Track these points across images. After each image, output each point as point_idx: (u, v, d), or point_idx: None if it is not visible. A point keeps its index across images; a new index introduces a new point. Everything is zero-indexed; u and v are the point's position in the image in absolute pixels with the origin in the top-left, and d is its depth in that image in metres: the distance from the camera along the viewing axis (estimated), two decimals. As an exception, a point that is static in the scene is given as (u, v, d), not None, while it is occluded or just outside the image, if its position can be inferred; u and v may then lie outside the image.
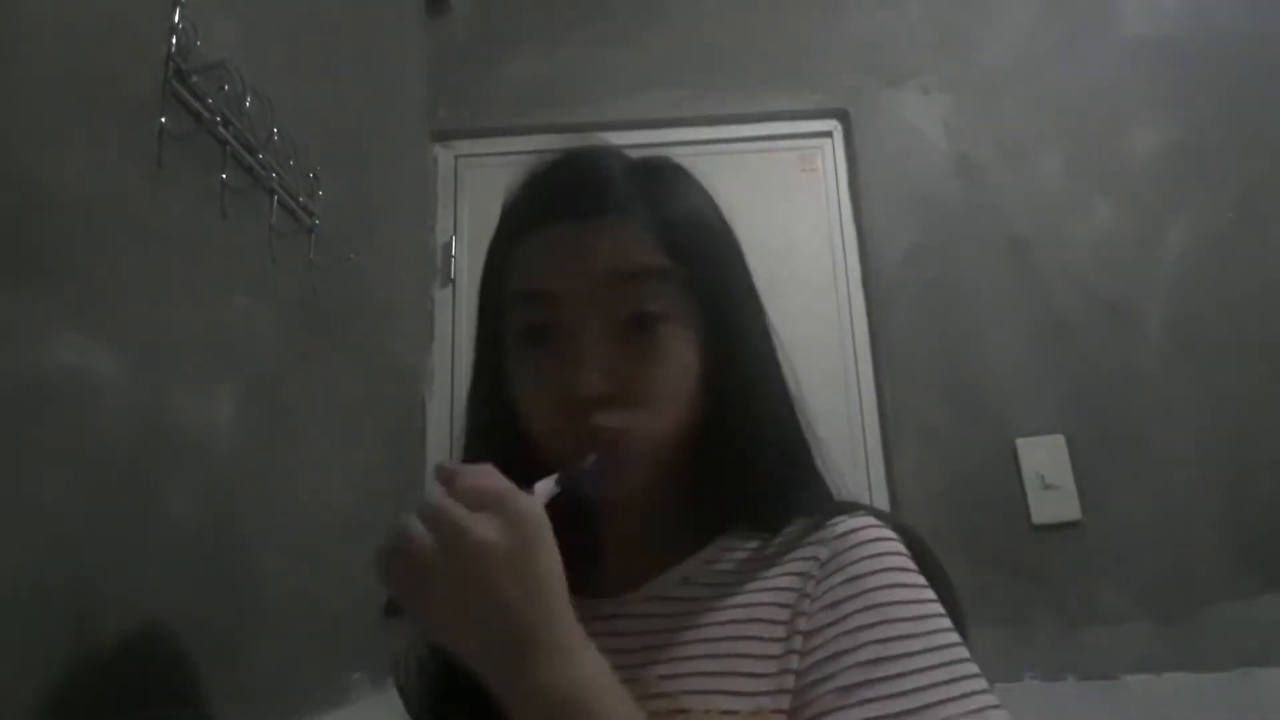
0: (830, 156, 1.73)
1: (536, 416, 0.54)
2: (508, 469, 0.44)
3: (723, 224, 0.63)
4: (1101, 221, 1.63)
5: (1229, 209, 1.61)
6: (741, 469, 0.56)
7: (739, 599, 0.53)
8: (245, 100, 0.88)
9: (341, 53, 1.25)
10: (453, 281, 1.67)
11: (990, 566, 1.45)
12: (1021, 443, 1.51)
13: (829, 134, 1.74)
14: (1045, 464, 1.49)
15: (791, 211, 1.69)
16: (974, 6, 1.77)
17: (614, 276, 0.53)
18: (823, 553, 0.52)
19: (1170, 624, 1.41)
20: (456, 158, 1.75)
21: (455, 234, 1.70)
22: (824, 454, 0.61)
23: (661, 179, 0.59)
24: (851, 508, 0.55)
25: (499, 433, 0.57)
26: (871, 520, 0.53)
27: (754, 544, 0.56)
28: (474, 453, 0.60)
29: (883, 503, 1.53)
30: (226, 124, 0.84)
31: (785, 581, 0.52)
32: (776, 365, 0.62)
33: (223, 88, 0.83)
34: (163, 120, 0.74)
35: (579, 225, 0.54)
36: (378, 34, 1.45)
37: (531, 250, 0.56)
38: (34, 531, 0.56)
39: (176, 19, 0.76)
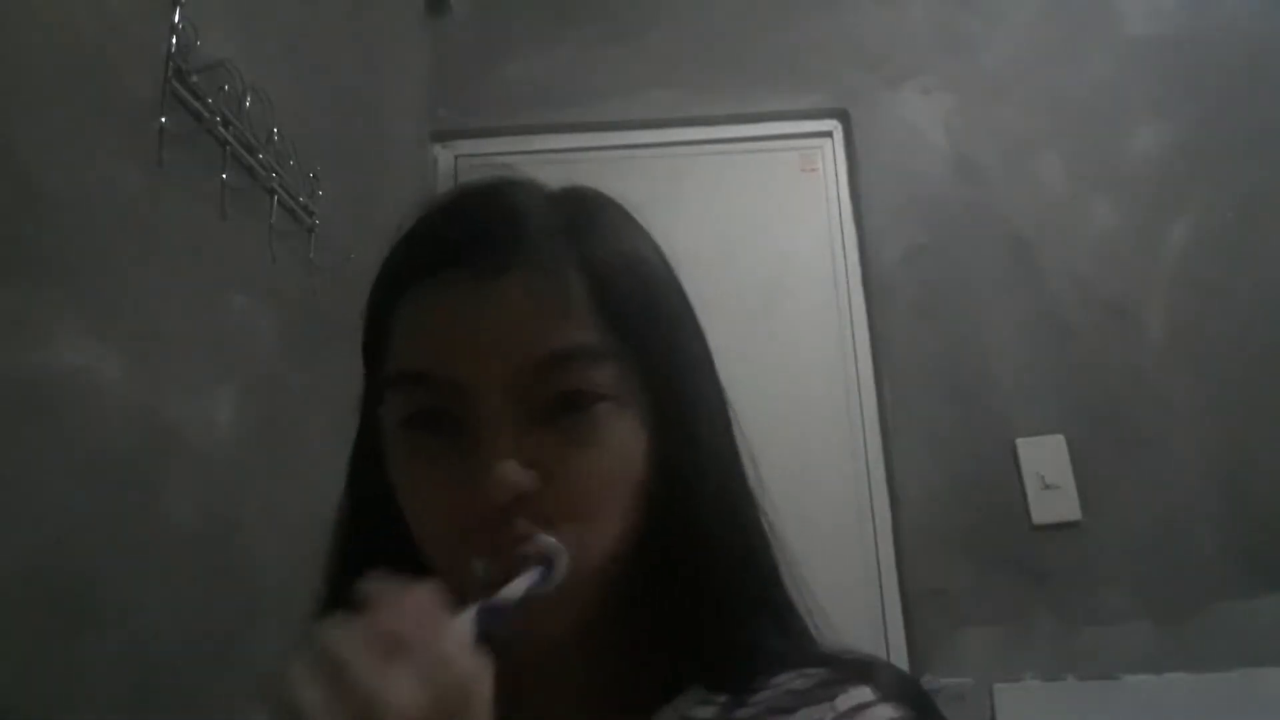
0: (830, 156, 1.73)
1: (430, 531, 0.41)
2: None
3: (669, 274, 0.48)
4: (1101, 221, 1.62)
5: (1229, 209, 1.61)
6: (705, 610, 0.43)
7: None
8: (245, 100, 0.88)
9: (341, 52, 1.25)
10: (453, 281, 1.67)
11: (990, 566, 1.45)
12: (1021, 443, 1.51)
13: (829, 134, 1.74)
14: (1045, 464, 1.49)
15: (791, 211, 1.69)
16: (974, 6, 1.77)
17: (536, 359, 0.39)
18: None
19: (1170, 624, 1.41)
20: (456, 158, 1.75)
21: (455, 234, 1.70)
22: (795, 573, 0.48)
23: (592, 217, 0.45)
24: (852, 670, 0.42)
25: (380, 547, 0.43)
26: (873, 696, 0.40)
27: (721, 701, 0.42)
28: (345, 571, 0.45)
29: (883, 502, 1.52)
30: (226, 124, 0.84)
31: None
32: (739, 461, 0.48)
33: (223, 88, 0.83)
34: (163, 120, 0.74)
35: (484, 282, 0.40)
36: (377, 34, 1.45)
37: (419, 314, 0.42)
38: (34, 531, 0.56)
39: (176, 19, 0.76)
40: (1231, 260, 1.58)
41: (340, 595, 0.43)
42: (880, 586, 1.48)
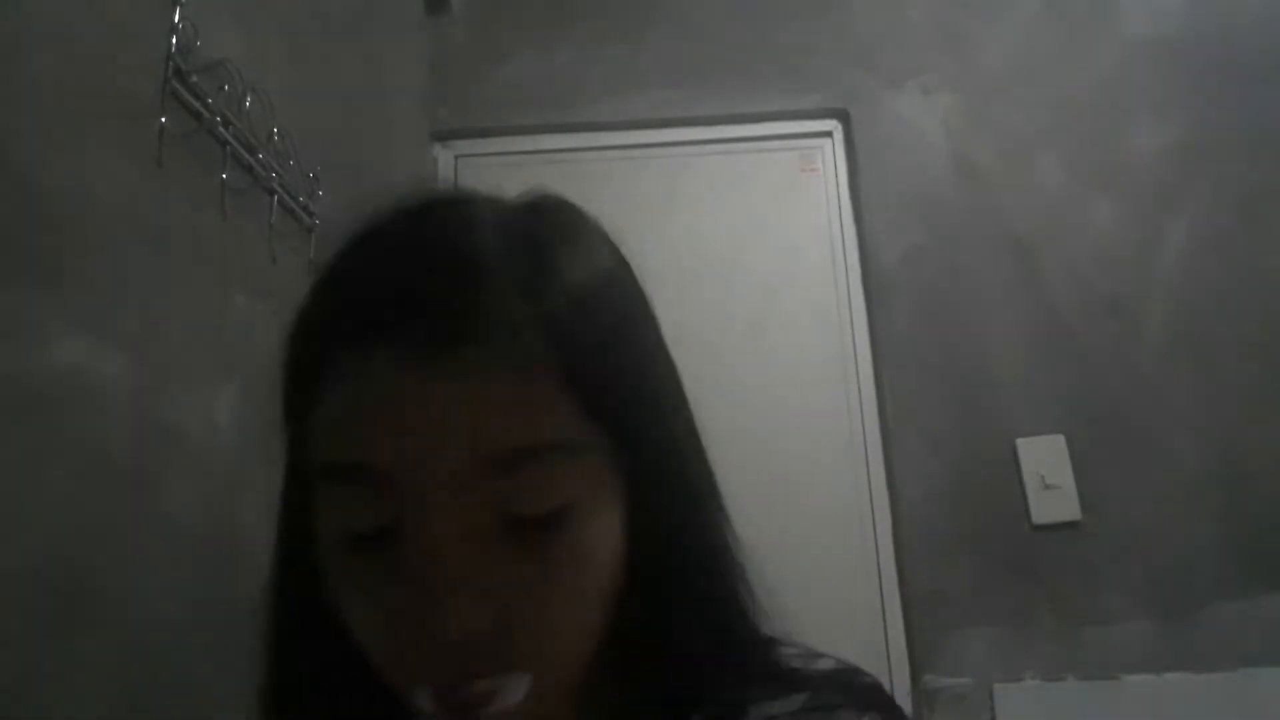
0: (830, 156, 1.73)
1: (376, 659, 0.35)
2: None
3: (644, 310, 0.41)
4: (1101, 221, 1.62)
5: (1229, 209, 1.61)
6: (683, 684, 0.38)
7: None
8: (245, 100, 0.88)
9: (341, 53, 1.25)
10: (453, 281, 1.67)
11: (990, 566, 1.45)
12: (1021, 443, 1.51)
13: (829, 134, 1.74)
14: (1045, 464, 1.49)
15: (791, 211, 1.69)
16: (974, 6, 1.76)
17: (495, 456, 0.32)
18: None
19: (1170, 624, 1.41)
20: (456, 158, 1.75)
21: (455, 234, 1.70)
22: (774, 624, 0.42)
23: (559, 257, 0.36)
24: (829, 692, 0.39)
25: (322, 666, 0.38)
26: None
27: None
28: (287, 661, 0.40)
29: (883, 503, 1.52)
30: (226, 124, 0.84)
31: None
32: (721, 524, 0.42)
33: (223, 88, 0.83)
34: (163, 120, 0.74)
35: (430, 360, 0.32)
36: (378, 34, 1.45)
37: (351, 393, 0.34)
38: (34, 531, 0.56)
39: (176, 19, 0.75)
40: (1231, 260, 1.58)
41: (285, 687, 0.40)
42: (880, 586, 1.48)
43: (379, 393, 0.33)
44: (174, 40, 0.75)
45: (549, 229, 0.38)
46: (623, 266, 0.41)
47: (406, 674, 0.33)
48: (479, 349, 0.32)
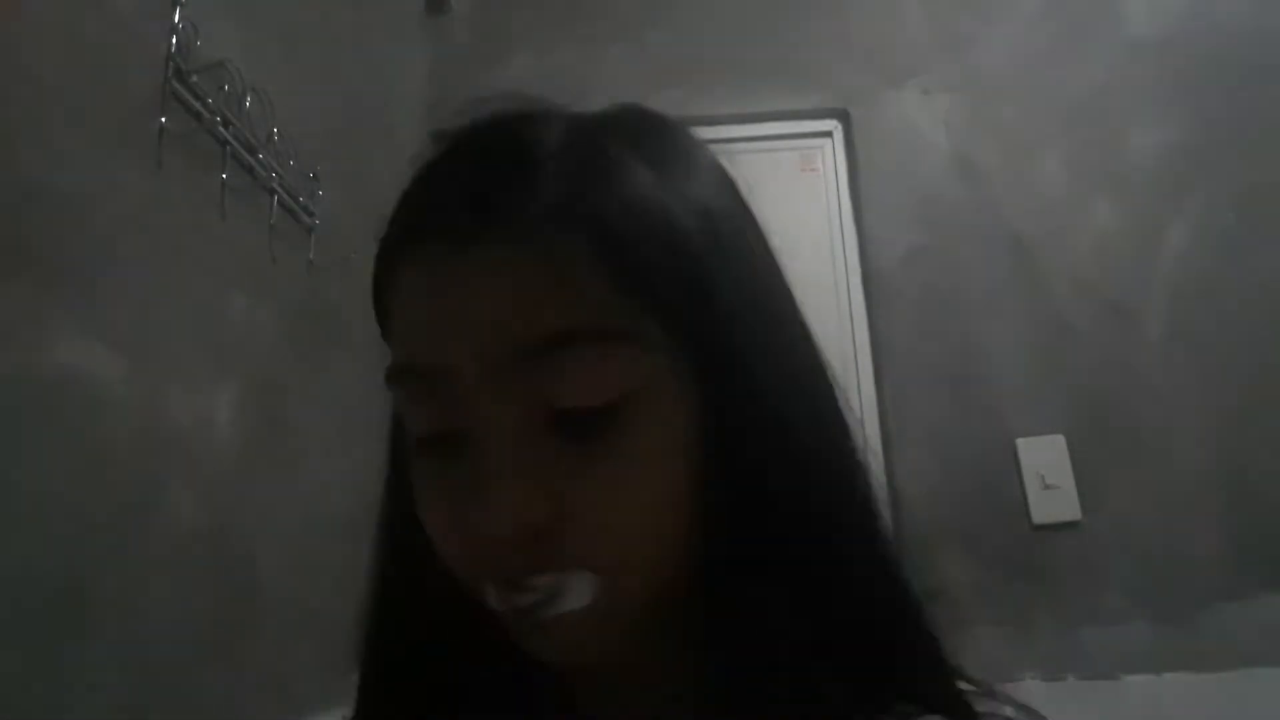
0: (830, 156, 1.73)
1: (446, 561, 0.35)
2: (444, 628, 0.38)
3: (738, 216, 0.42)
4: (1101, 221, 1.62)
5: (1229, 209, 1.61)
6: (797, 622, 0.34)
7: None
8: (245, 100, 0.88)
9: (341, 52, 1.25)
10: (453, 281, 1.67)
11: (990, 566, 1.45)
12: (1021, 443, 1.51)
13: (829, 134, 1.74)
14: (1045, 464, 1.49)
15: (791, 211, 1.69)
16: (974, 6, 1.76)
17: (526, 344, 0.32)
18: None
19: (1170, 624, 1.41)
20: (456, 157, 1.75)
21: (455, 234, 1.70)
22: (911, 558, 0.41)
23: (620, 154, 0.36)
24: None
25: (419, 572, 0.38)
26: None
27: None
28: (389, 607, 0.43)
29: (882, 503, 1.52)
30: (226, 124, 0.84)
31: None
32: (839, 428, 0.40)
33: (223, 88, 0.83)
34: (163, 120, 0.74)
35: (460, 253, 0.33)
36: (378, 34, 1.45)
37: (405, 294, 0.35)
38: (34, 531, 0.56)
39: (176, 19, 0.76)
40: (1231, 260, 1.58)
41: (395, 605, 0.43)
42: (880, 586, 1.48)
43: (421, 291, 0.34)
44: (174, 40, 0.75)
45: (616, 128, 0.39)
46: (701, 169, 0.40)
47: (471, 573, 0.34)
48: (510, 239, 0.33)
